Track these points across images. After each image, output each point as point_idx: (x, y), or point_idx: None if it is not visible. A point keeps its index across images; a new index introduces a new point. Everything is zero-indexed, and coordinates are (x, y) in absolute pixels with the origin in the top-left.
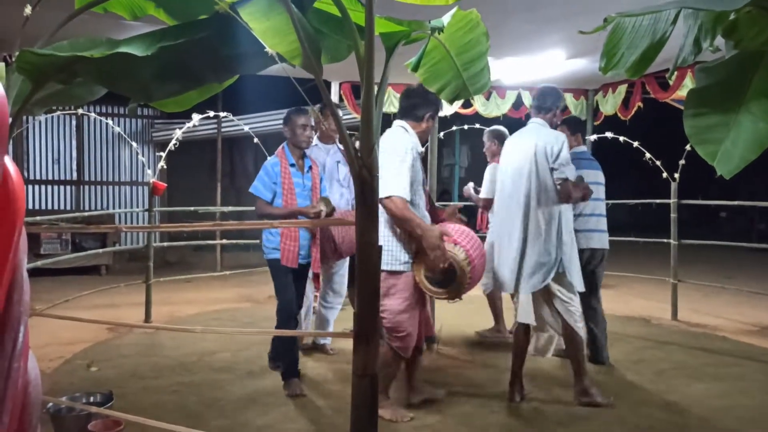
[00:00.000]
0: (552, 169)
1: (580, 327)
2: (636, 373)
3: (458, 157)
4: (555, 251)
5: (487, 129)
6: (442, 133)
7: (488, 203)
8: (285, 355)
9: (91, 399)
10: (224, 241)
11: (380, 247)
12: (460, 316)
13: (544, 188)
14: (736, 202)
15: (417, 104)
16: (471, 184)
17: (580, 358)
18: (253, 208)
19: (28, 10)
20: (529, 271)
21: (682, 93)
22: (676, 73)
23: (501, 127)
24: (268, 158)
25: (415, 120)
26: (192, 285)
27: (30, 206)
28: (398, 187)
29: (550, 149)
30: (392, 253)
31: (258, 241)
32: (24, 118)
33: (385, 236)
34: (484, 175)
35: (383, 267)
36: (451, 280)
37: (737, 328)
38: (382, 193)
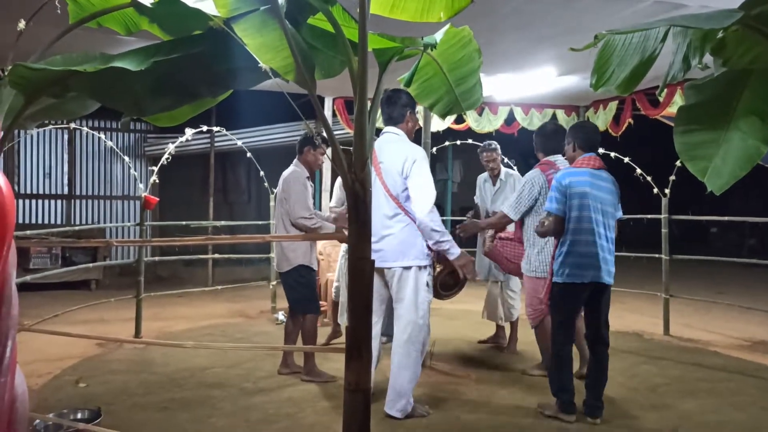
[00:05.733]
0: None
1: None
2: (630, 389)
3: (451, 172)
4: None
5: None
6: (435, 149)
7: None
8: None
9: (79, 416)
10: (216, 255)
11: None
12: (454, 330)
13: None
14: (726, 218)
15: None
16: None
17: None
18: (245, 222)
19: (21, 24)
20: None
21: (672, 110)
22: (665, 90)
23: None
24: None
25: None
26: (183, 300)
27: (20, 220)
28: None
29: None
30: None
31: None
32: (16, 132)
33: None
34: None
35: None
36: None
37: (729, 343)
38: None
